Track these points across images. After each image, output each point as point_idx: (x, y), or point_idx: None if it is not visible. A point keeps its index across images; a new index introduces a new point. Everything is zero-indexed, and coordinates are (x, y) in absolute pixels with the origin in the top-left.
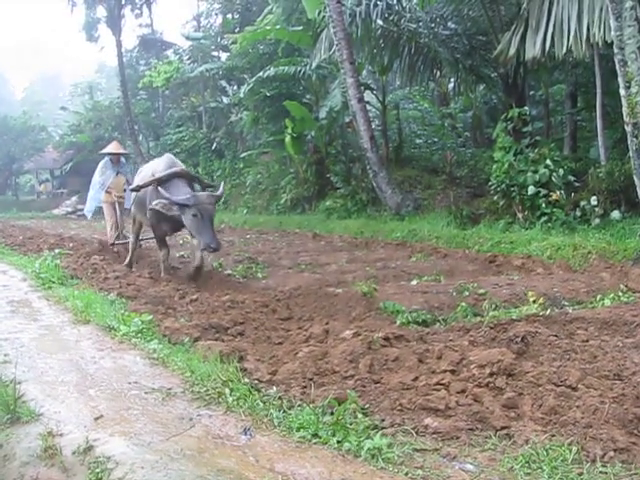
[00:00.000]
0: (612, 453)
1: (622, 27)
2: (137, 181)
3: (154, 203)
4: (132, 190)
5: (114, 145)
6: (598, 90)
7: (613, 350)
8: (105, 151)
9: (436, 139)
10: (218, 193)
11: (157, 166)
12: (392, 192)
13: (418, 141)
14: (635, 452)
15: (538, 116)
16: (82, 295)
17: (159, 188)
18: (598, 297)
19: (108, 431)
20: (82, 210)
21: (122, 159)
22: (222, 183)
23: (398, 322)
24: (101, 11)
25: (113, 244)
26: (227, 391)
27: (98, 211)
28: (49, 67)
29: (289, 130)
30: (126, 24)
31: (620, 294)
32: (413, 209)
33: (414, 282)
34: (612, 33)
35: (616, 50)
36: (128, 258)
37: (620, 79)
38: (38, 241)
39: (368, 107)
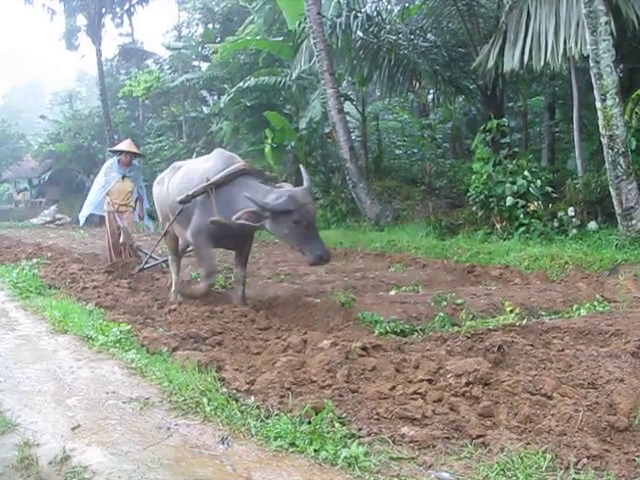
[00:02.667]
0: (585, 460)
1: (597, 41)
2: (171, 189)
3: (235, 217)
4: (182, 202)
5: (127, 143)
6: (575, 102)
7: (588, 359)
8: (116, 149)
9: (415, 150)
10: (308, 185)
11: (209, 166)
12: (371, 203)
13: (398, 152)
14: (608, 459)
15: (517, 128)
16: (60, 305)
17: (246, 194)
18: (574, 307)
19: (85, 441)
20: (61, 219)
21: (134, 161)
22: (302, 168)
23: (376, 332)
24: (81, 19)
25: (142, 269)
26: (205, 400)
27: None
28: (29, 75)
29: (269, 140)
30: (106, 33)
31: (596, 304)
32: (392, 220)
33: (393, 292)
34: (588, 47)
35: (592, 63)
36: (173, 287)
37: (596, 92)
38: (16, 250)
39: (348, 118)
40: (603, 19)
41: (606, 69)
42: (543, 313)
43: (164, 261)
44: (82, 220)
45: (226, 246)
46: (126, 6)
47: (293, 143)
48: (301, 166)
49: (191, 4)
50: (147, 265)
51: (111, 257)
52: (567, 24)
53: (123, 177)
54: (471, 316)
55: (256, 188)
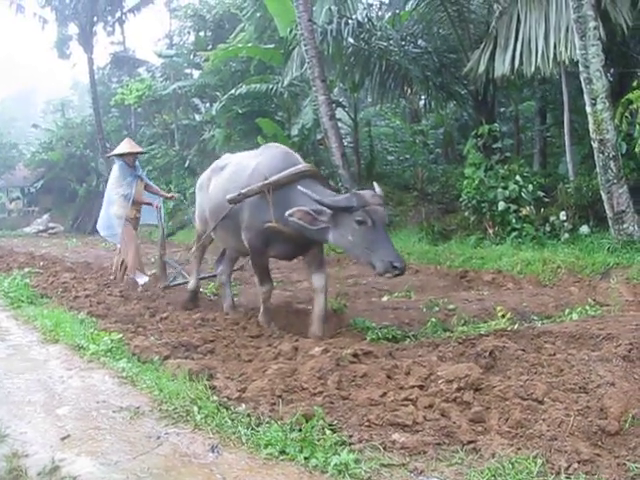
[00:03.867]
0: (576, 465)
1: (586, 46)
2: (214, 190)
3: (288, 213)
4: (232, 201)
5: (127, 143)
6: (566, 107)
7: (579, 363)
8: (117, 152)
9: (408, 156)
10: (379, 191)
11: (264, 163)
12: None
13: (390, 158)
14: (599, 463)
15: (508, 133)
16: (51, 314)
17: (301, 188)
18: (566, 311)
19: (75, 451)
20: (53, 228)
21: (136, 161)
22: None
23: (368, 338)
24: (73, 28)
25: (168, 286)
26: (195, 409)
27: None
28: (23, 84)
29: None
30: (98, 41)
31: (587, 308)
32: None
33: (385, 298)
34: (577, 52)
35: (581, 68)
36: (226, 302)
37: (586, 96)
38: (8, 260)
39: (340, 124)
40: (592, 24)
41: (596, 73)
42: (535, 318)
43: (205, 277)
44: (117, 240)
45: (285, 255)
46: (118, 14)
47: None
48: (375, 184)
49: (182, 12)
50: (176, 282)
51: (129, 273)
52: (557, 29)
53: (138, 179)
54: (463, 321)
55: (323, 193)
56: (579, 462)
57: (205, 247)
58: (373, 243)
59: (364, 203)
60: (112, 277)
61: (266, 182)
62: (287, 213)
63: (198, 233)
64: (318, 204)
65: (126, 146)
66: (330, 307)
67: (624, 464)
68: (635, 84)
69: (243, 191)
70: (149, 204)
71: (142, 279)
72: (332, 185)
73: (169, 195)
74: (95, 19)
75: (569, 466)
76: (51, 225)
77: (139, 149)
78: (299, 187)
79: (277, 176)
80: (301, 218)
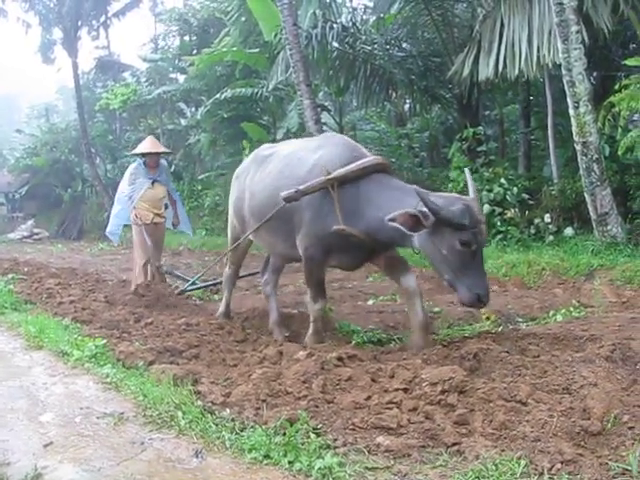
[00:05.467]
0: (559, 465)
1: (569, 50)
2: (258, 185)
3: (390, 217)
4: (289, 200)
5: (149, 142)
6: (549, 110)
7: (563, 364)
8: (137, 151)
9: (393, 159)
10: (477, 196)
11: (326, 155)
12: None
13: None
14: (581, 463)
15: (493, 136)
16: (35, 320)
17: (416, 187)
18: (551, 313)
19: (57, 458)
20: (38, 234)
21: (162, 161)
22: (467, 172)
23: (354, 342)
24: (57, 33)
25: (184, 291)
26: (179, 414)
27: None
28: (8, 88)
29: (247, 152)
30: (83, 46)
31: (572, 309)
32: None
33: (370, 302)
34: (560, 55)
35: (564, 72)
36: (272, 316)
37: (569, 99)
38: None
39: (325, 128)
40: (574, 28)
41: (578, 77)
42: (520, 320)
43: (216, 283)
44: (115, 238)
45: (351, 264)
46: (102, 19)
47: None
48: (467, 170)
49: (167, 16)
50: (192, 287)
51: (139, 278)
52: (540, 33)
53: (153, 182)
54: (448, 324)
55: (404, 190)
56: (562, 462)
57: (243, 253)
58: (467, 268)
59: (474, 222)
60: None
61: (330, 177)
62: (388, 217)
63: (232, 236)
64: (427, 208)
65: (148, 145)
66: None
67: (606, 463)
68: (617, 87)
69: (302, 187)
70: (159, 214)
71: None
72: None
73: (179, 219)
74: (79, 23)
75: (552, 466)
76: (36, 231)
77: (162, 149)
78: (415, 187)
79: (343, 170)
80: (403, 223)
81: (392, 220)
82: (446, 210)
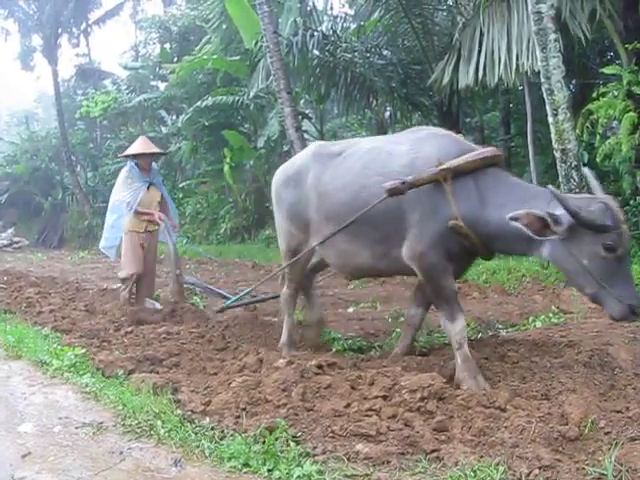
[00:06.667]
0: (537, 471)
1: (547, 58)
2: (329, 185)
3: (513, 215)
4: (393, 192)
5: (142, 143)
6: (529, 117)
7: (541, 371)
8: (129, 153)
9: None
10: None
11: (433, 146)
12: None
13: None
14: (559, 469)
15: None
16: (14, 330)
17: (550, 187)
18: (530, 319)
19: (35, 468)
20: (18, 243)
21: (154, 164)
22: (587, 171)
23: (334, 349)
24: (37, 40)
25: (224, 308)
26: (159, 423)
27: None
28: None
29: (228, 159)
30: (63, 53)
31: (551, 315)
32: None
33: (351, 309)
34: (539, 63)
35: (543, 79)
36: (285, 336)
37: (548, 107)
38: None
39: (306, 136)
40: (552, 36)
41: (557, 84)
42: (500, 326)
43: (266, 299)
44: (111, 253)
45: (457, 272)
46: (83, 26)
47: (252, 162)
48: (586, 170)
49: (148, 23)
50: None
51: (135, 293)
52: (519, 41)
53: (149, 185)
54: (428, 331)
55: (527, 189)
56: (540, 468)
57: (304, 267)
58: (614, 278)
59: (617, 223)
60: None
61: (443, 167)
62: (510, 215)
63: (289, 247)
64: (566, 210)
65: (140, 146)
66: (296, 319)
67: (583, 468)
68: (595, 95)
69: (409, 179)
70: (147, 214)
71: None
72: None
73: (175, 223)
74: (59, 31)
75: (530, 472)
76: (16, 239)
77: (156, 150)
78: (549, 187)
79: (457, 161)
80: (529, 224)
81: (514, 219)
82: (585, 211)
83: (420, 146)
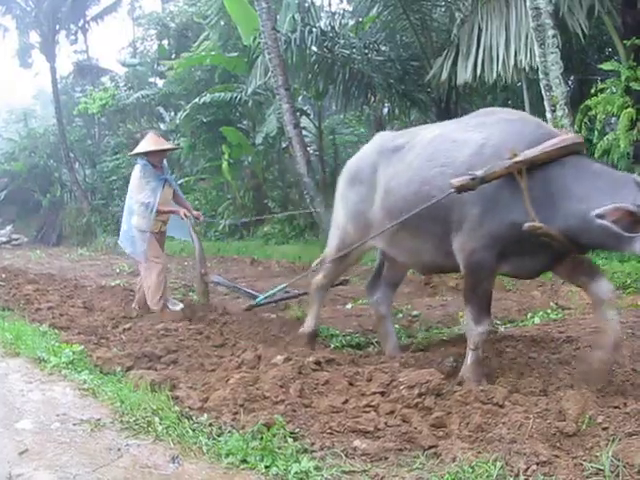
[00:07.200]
0: (535, 467)
1: (546, 54)
2: (393, 180)
3: (601, 212)
4: (462, 189)
5: (153, 139)
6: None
7: (540, 366)
8: (140, 150)
9: None
10: None
11: (507, 133)
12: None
13: None
14: (556, 464)
15: None
16: (12, 327)
17: (636, 177)
18: (529, 315)
19: (32, 465)
20: (17, 240)
21: (164, 161)
22: None
23: (332, 346)
24: (34, 37)
25: (253, 306)
26: (156, 420)
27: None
28: None
29: (226, 156)
30: (61, 50)
31: (549, 311)
32: None
33: (349, 306)
34: (537, 59)
35: (541, 76)
36: (389, 341)
37: (546, 103)
38: None
39: (304, 132)
40: (550, 32)
41: (555, 81)
42: (498, 322)
43: (298, 295)
44: (141, 257)
45: (532, 271)
46: (80, 23)
47: (250, 158)
48: None
49: (146, 20)
50: (266, 300)
51: (151, 303)
52: (517, 37)
53: (164, 182)
54: (426, 327)
55: (613, 178)
56: (537, 464)
57: (348, 265)
58: None
59: None
60: (134, 305)
61: (518, 159)
62: (596, 212)
63: (342, 243)
64: None
65: (151, 142)
66: (294, 315)
67: (581, 464)
68: (593, 91)
69: (479, 173)
70: (172, 212)
71: (176, 307)
72: None
73: (195, 213)
74: (57, 27)
75: (528, 468)
76: (14, 236)
77: (168, 145)
78: (635, 176)
79: (533, 151)
80: (618, 220)
81: (600, 217)
82: None
83: (489, 132)
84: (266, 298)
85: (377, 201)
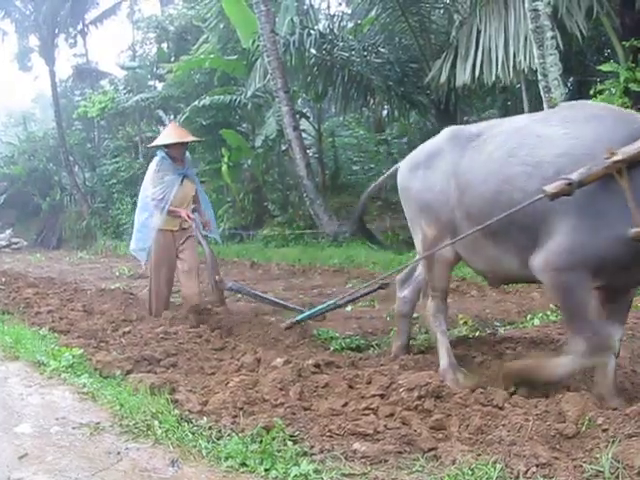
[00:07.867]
0: (535, 469)
1: (544, 55)
2: (470, 176)
3: None
4: (557, 196)
5: (174, 130)
6: None
7: None
8: (160, 142)
9: (372, 165)
10: None
11: (598, 129)
12: (329, 219)
13: (354, 168)
14: (556, 466)
15: None
16: (12, 331)
17: None
18: (528, 317)
19: (32, 469)
20: (17, 243)
21: (188, 154)
22: None
23: (332, 348)
24: (34, 40)
25: (293, 323)
26: (156, 423)
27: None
28: None
29: (225, 159)
30: (60, 54)
31: (549, 313)
32: (350, 235)
33: (349, 308)
34: (536, 61)
35: (540, 77)
36: (400, 339)
37: (545, 104)
38: None
39: (304, 135)
40: (549, 34)
41: (554, 82)
42: (497, 324)
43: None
44: (143, 255)
45: (626, 284)
46: (80, 26)
47: (250, 161)
48: None
49: (145, 23)
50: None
51: (161, 303)
52: (516, 39)
53: (183, 178)
54: (425, 329)
55: None
56: (537, 466)
57: (445, 271)
58: None
59: None
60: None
61: (617, 158)
62: None
63: (424, 247)
64: None
65: (172, 134)
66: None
67: (580, 466)
68: (592, 92)
69: (574, 177)
70: (174, 213)
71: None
72: None
73: (207, 220)
74: (56, 31)
75: (527, 470)
76: (14, 240)
77: (190, 138)
78: None
79: (633, 148)
80: None
81: None
82: None
83: (579, 129)
84: (313, 314)
85: (450, 196)
